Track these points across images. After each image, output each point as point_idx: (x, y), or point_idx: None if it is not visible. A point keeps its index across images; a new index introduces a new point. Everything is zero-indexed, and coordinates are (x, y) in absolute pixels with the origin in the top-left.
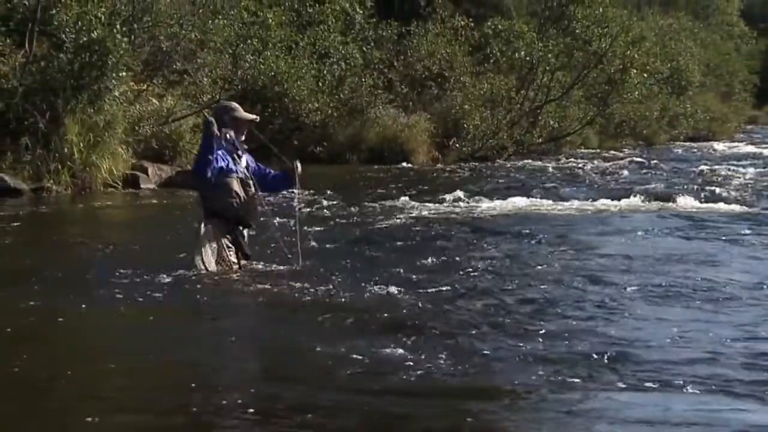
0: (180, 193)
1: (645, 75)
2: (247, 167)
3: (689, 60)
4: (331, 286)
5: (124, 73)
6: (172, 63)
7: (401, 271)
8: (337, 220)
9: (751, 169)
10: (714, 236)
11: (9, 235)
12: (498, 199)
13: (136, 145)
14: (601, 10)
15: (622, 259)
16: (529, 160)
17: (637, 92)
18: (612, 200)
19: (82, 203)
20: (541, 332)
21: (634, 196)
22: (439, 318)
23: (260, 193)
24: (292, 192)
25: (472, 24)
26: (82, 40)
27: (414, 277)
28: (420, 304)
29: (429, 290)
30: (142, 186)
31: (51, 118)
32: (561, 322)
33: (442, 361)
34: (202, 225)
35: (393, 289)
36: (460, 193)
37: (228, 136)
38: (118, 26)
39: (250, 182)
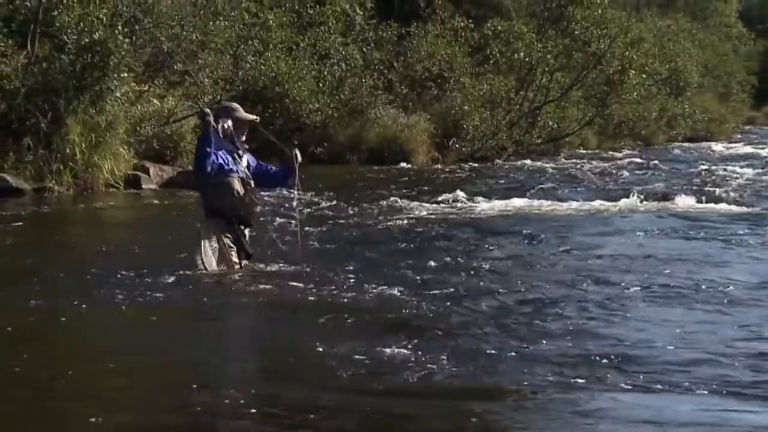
0: (181, 194)
1: (643, 76)
2: (248, 167)
3: (687, 61)
4: (332, 287)
5: (125, 74)
6: (173, 64)
7: (402, 271)
8: (338, 220)
9: (749, 170)
10: (713, 236)
11: (11, 235)
12: (498, 199)
13: (138, 145)
14: (600, 11)
15: (622, 259)
16: (529, 161)
17: (635, 93)
18: (611, 201)
19: (84, 203)
20: (543, 333)
21: (634, 196)
22: (440, 318)
23: (261, 193)
24: (292, 192)
25: (472, 25)
26: (84, 41)
27: (415, 277)
28: (421, 305)
29: (430, 290)
30: (143, 186)
31: (53, 119)
32: (563, 322)
33: (444, 362)
34: (203, 225)
35: (394, 290)
36: (459, 194)
37: (226, 125)
38: (119, 27)
39: (251, 182)
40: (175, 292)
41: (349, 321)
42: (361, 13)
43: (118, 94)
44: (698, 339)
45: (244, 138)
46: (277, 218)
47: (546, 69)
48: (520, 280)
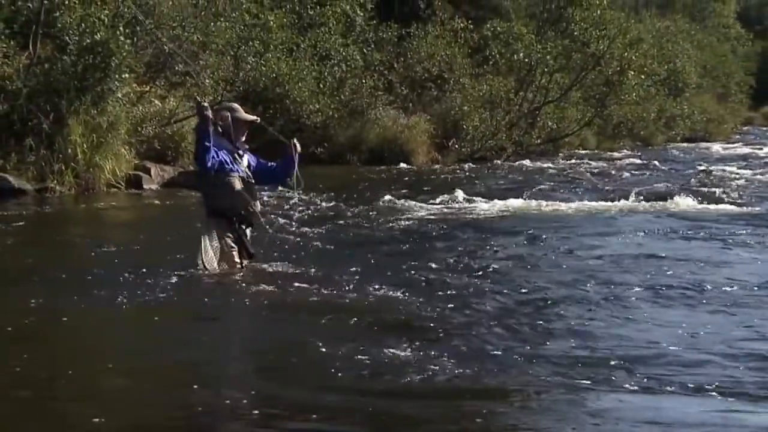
0: (182, 194)
1: (642, 77)
2: (248, 166)
3: (686, 62)
4: (333, 287)
5: (126, 75)
6: (175, 65)
7: (403, 271)
8: (338, 220)
9: (747, 170)
10: (713, 237)
11: (13, 235)
12: (497, 199)
13: (139, 145)
14: (599, 12)
15: (624, 259)
16: (528, 161)
17: (634, 94)
18: (611, 201)
19: (86, 203)
20: (547, 333)
21: (633, 196)
22: (442, 319)
23: (261, 193)
24: (290, 180)
25: (472, 26)
26: (86, 42)
27: (416, 277)
28: (423, 305)
29: (431, 291)
30: (144, 186)
31: (55, 120)
32: (567, 323)
33: (446, 363)
34: (204, 224)
35: (395, 290)
36: (459, 194)
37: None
38: (121, 28)
39: (252, 181)
40: (176, 292)
41: (351, 321)
42: (362, 14)
43: (119, 95)
44: (702, 340)
45: (244, 138)
46: (280, 218)
47: (545, 70)
48: (521, 280)
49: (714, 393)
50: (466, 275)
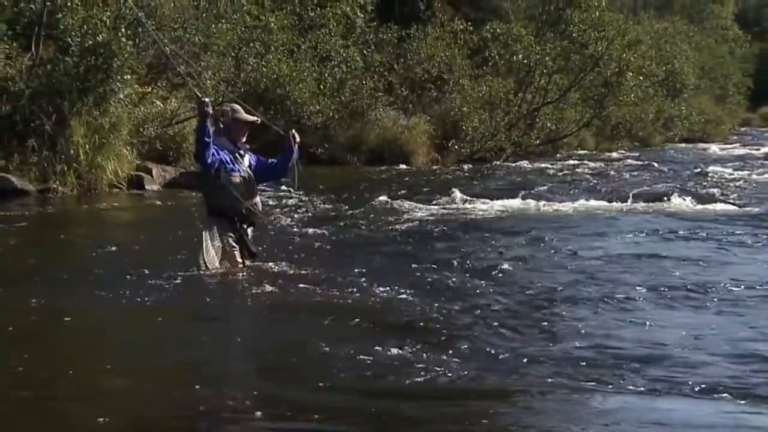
0: (184, 194)
1: (641, 78)
2: (249, 166)
3: (684, 63)
4: (334, 287)
5: (128, 76)
6: (176, 66)
7: (404, 272)
8: (338, 221)
9: (745, 171)
10: (714, 237)
11: (15, 236)
12: (497, 200)
13: (141, 146)
14: (597, 14)
15: (625, 260)
16: (527, 162)
17: (632, 95)
18: (610, 201)
19: (88, 204)
20: (550, 334)
21: (632, 197)
22: (445, 319)
23: (262, 194)
24: (291, 171)
25: (471, 27)
26: (88, 44)
27: (417, 278)
28: (425, 306)
29: (433, 291)
30: (146, 187)
31: (57, 120)
32: (570, 323)
33: (449, 363)
34: (206, 224)
35: (397, 290)
36: (459, 195)
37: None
38: (122, 30)
39: (253, 181)
40: (178, 292)
41: (352, 322)
42: (362, 15)
43: (121, 96)
44: (707, 340)
45: (244, 139)
46: (281, 218)
47: (544, 71)
48: (524, 281)
49: (721, 394)
50: (468, 276)
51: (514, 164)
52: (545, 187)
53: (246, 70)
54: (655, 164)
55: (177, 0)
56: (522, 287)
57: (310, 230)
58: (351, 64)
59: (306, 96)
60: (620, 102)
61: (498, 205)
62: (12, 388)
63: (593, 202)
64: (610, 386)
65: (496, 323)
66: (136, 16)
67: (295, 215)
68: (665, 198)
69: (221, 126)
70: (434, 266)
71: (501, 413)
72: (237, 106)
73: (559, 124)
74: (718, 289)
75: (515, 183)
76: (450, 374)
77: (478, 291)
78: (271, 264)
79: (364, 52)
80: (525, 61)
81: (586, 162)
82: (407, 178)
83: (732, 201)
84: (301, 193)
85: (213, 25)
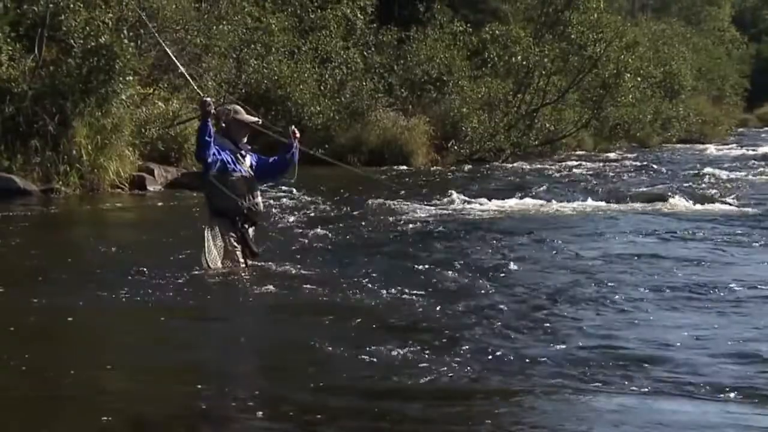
0: (186, 194)
1: (638, 79)
2: (251, 166)
3: (682, 64)
4: (336, 288)
5: (130, 77)
6: (178, 67)
7: (406, 272)
8: (339, 221)
9: (742, 171)
10: (713, 238)
11: (18, 236)
12: (496, 200)
13: (143, 147)
14: (595, 15)
15: (625, 260)
16: (526, 162)
17: (630, 96)
18: (608, 202)
19: (90, 204)
20: (553, 334)
21: (631, 197)
22: (447, 320)
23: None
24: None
25: (470, 29)
26: (90, 45)
27: (419, 278)
28: (427, 306)
29: (435, 292)
30: (148, 187)
31: (60, 121)
32: (572, 324)
33: (452, 363)
34: (208, 224)
35: (399, 291)
36: (459, 195)
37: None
38: (125, 31)
39: (255, 181)
40: (180, 291)
41: (354, 322)
42: (362, 17)
43: (123, 97)
44: (710, 341)
45: (246, 140)
46: (282, 219)
47: (543, 72)
48: (525, 281)
49: (724, 395)
50: (469, 276)
51: (513, 165)
52: (544, 188)
53: (247, 71)
54: (653, 165)
55: (178, 2)
56: (523, 287)
57: (311, 230)
58: (351, 65)
59: (307, 97)
60: (618, 103)
61: (498, 205)
62: (14, 387)
63: (592, 203)
64: (614, 387)
65: (498, 324)
66: (138, 17)
67: (296, 215)
68: (663, 198)
69: (222, 126)
70: (435, 266)
71: (504, 414)
72: (238, 107)
73: (558, 125)
74: (719, 289)
75: (514, 183)
76: (452, 375)
77: (479, 291)
78: (272, 264)
79: (365, 53)
80: (524, 63)
81: (584, 162)
82: (407, 179)
83: (730, 201)
84: (301, 192)
85: (214, 27)
